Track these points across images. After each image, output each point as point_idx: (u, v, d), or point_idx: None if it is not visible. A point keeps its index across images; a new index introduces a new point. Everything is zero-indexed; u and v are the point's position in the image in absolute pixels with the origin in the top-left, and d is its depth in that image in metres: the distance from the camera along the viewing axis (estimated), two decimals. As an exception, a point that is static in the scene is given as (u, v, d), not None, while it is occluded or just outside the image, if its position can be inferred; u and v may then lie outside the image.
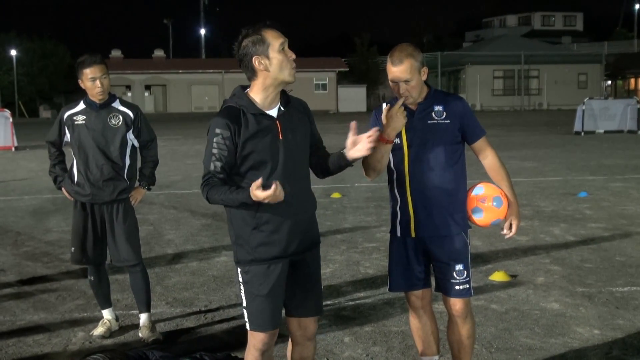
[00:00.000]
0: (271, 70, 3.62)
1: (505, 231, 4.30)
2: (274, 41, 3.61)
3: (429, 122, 4.18)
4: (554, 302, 6.36)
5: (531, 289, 6.78)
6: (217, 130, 3.62)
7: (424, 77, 4.20)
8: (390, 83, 4.18)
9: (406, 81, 4.10)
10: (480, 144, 4.30)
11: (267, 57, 3.61)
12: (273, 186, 3.42)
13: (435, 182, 4.17)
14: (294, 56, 3.66)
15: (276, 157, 3.65)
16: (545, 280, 7.05)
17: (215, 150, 3.62)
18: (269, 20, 3.71)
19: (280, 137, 3.66)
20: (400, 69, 4.09)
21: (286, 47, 3.64)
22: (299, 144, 3.75)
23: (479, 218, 4.28)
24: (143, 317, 5.72)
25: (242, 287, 3.78)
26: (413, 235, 4.25)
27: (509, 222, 4.27)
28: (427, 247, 4.29)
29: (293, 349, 4.04)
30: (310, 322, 3.94)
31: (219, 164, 3.63)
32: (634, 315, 5.97)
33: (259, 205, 3.57)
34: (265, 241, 3.68)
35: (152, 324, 5.73)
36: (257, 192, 3.44)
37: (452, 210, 4.23)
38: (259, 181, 3.46)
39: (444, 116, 4.19)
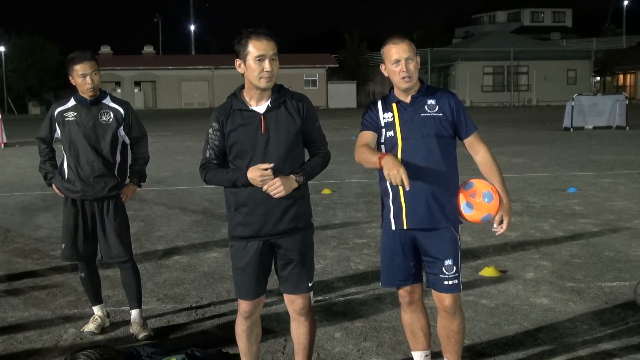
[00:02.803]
0: (246, 75, 4.09)
1: (495, 227, 4.32)
2: (254, 51, 4.01)
3: (422, 114, 4.23)
4: (544, 297, 6.40)
5: (521, 284, 6.82)
6: (212, 123, 4.17)
7: (419, 66, 4.27)
8: (391, 67, 4.22)
9: (408, 59, 4.19)
10: (472, 139, 4.34)
11: (245, 63, 4.07)
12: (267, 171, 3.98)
13: (426, 174, 4.20)
14: (268, 68, 4.01)
15: (256, 148, 4.07)
16: (534, 276, 7.09)
17: (209, 140, 4.19)
18: (263, 27, 4.07)
19: (263, 131, 4.07)
20: (403, 47, 4.20)
21: (266, 60, 4.01)
22: (282, 139, 4.09)
23: (469, 213, 4.29)
24: (134, 313, 5.73)
25: (231, 259, 4.35)
26: (405, 227, 4.27)
27: (500, 218, 4.29)
28: (418, 242, 4.31)
29: (291, 324, 4.43)
30: (295, 298, 4.29)
31: (212, 151, 4.19)
32: (623, 310, 6.01)
33: (239, 189, 4.10)
34: (242, 222, 4.17)
35: (143, 320, 5.74)
36: (254, 172, 3.97)
37: (442, 204, 4.25)
38: (266, 165, 3.97)
39: (436, 109, 4.24)
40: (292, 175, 4.06)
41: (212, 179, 4.17)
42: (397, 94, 4.30)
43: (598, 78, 70.69)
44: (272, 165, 4.00)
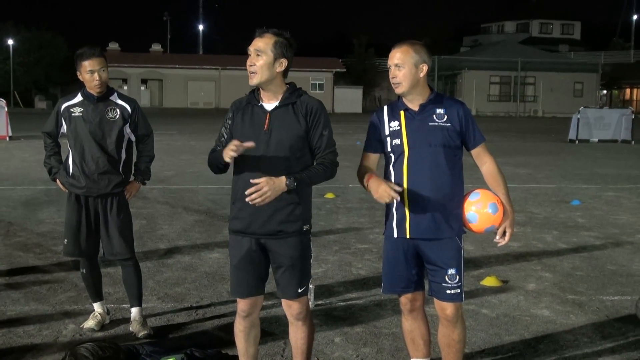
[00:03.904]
0: None
1: (498, 238, 4.31)
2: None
3: (430, 123, 4.22)
4: (545, 309, 6.38)
5: (522, 295, 6.81)
6: (227, 113, 4.29)
7: (421, 74, 4.23)
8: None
9: (397, 66, 4.21)
10: (479, 150, 4.33)
11: None
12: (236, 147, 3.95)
13: (432, 184, 4.19)
14: (248, 62, 4.10)
15: (257, 145, 4.05)
16: (536, 287, 7.08)
17: (222, 130, 4.29)
18: (265, 26, 4.15)
19: (266, 129, 4.10)
20: (395, 52, 4.24)
21: (251, 55, 4.10)
22: (283, 139, 4.09)
23: (473, 223, 4.28)
24: (134, 312, 5.72)
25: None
26: (408, 236, 4.27)
27: (503, 229, 4.27)
28: (421, 250, 4.31)
29: (289, 328, 4.44)
30: (292, 303, 4.29)
31: (222, 140, 4.25)
32: (624, 324, 5.99)
33: (237, 182, 4.17)
34: (236, 215, 4.22)
35: (143, 318, 5.73)
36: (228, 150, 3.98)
37: (446, 214, 4.24)
38: (235, 143, 3.96)
39: (444, 119, 4.22)
40: (282, 177, 3.99)
41: (211, 161, 4.28)
42: (406, 101, 4.30)
43: (605, 91, 70.66)
44: (251, 144, 3.96)
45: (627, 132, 28.06)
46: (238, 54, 64.59)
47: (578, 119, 28.13)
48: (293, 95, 4.17)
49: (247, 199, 3.95)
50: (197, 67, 66.26)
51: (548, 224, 10.47)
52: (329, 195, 12.69)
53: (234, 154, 3.95)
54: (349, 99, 64.81)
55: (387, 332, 5.71)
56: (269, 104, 4.15)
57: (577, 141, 27.63)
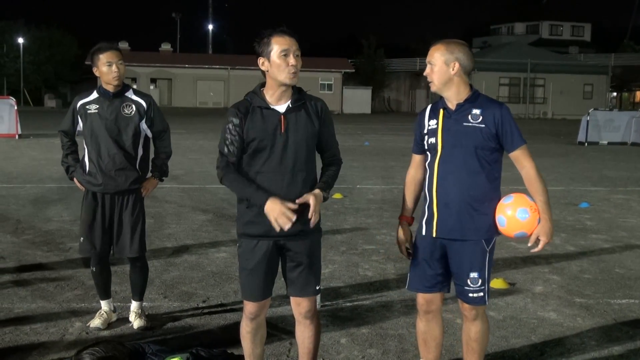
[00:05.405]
0: (270, 72, 4.07)
1: (530, 244, 4.22)
2: (277, 46, 4.03)
3: (464, 124, 4.19)
4: (552, 312, 6.36)
5: (529, 297, 6.78)
6: (230, 119, 4.12)
7: (452, 72, 4.20)
8: None
9: (429, 63, 4.27)
10: (518, 154, 4.23)
11: (269, 59, 4.06)
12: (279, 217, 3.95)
13: (461, 184, 4.16)
14: (293, 62, 4.03)
15: (274, 148, 4.06)
16: (543, 290, 7.05)
17: (228, 136, 4.11)
18: (283, 26, 4.12)
19: (282, 131, 4.06)
20: (430, 51, 4.27)
21: (291, 54, 4.03)
22: (300, 140, 4.09)
23: (502, 227, 4.19)
24: (135, 304, 5.78)
25: (238, 259, 4.31)
26: (434, 234, 4.26)
27: (535, 238, 4.16)
28: (446, 250, 4.29)
29: (296, 327, 4.43)
30: (302, 301, 4.29)
31: (231, 147, 4.11)
32: (631, 327, 5.97)
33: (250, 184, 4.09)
34: (253, 220, 4.14)
35: (142, 311, 5.77)
36: (276, 210, 3.95)
37: (475, 216, 4.19)
38: (292, 205, 3.97)
39: (479, 120, 4.17)
40: (318, 191, 4.07)
41: (230, 184, 4.12)
42: (445, 100, 4.29)
43: (615, 94, 70.41)
44: (296, 206, 3.99)
45: (637, 135, 27.97)
46: (247, 53, 64.76)
47: (587, 121, 28.08)
48: (302, 95, 4.18)
49: (311, 223, 4.05)
50: (207, 66, 66.33)
51: (556, 227, 10.40)
52: (337, 196, 12.68)
53: (288, 223, 3.95)
54: (358, 99, 64.76)
55: (394, 333, 5.69)
56: (280, 106, 4.11)
57: (586, 143, 27.57)
